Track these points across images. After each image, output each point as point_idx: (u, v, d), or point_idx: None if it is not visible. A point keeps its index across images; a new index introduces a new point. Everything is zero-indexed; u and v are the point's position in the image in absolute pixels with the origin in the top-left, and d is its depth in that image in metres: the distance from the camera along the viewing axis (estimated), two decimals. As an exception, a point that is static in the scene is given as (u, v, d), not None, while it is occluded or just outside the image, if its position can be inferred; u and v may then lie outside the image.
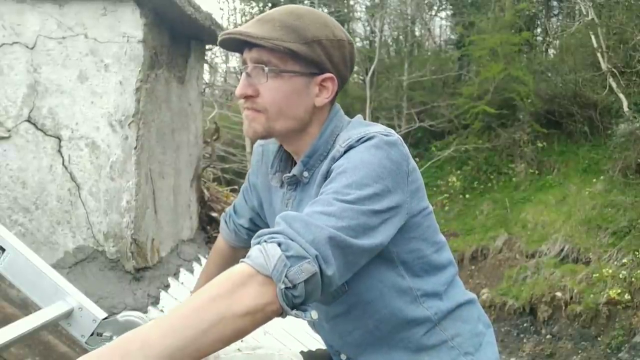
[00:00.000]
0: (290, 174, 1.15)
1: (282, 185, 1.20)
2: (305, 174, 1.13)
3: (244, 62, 1.09)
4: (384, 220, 0.97)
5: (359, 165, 0.98)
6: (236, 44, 1.10)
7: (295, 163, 1.19)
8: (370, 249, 0.95)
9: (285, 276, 0.82)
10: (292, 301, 0.84)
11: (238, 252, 1.49)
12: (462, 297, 1.17)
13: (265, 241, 0.86)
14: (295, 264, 0.83)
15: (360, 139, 1.03)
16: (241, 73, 1.10)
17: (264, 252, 0.84)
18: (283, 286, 0.82)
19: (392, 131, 1.07)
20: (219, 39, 1.09)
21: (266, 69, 1.05)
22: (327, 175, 1.04)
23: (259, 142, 1.32)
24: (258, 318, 0.83)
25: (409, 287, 1.10)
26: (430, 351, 1.11)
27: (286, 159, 1.22)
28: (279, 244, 0.85)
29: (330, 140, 1.11)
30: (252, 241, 0.89)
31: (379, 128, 1.06)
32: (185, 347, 0.76)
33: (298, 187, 1.16)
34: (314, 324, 1.24)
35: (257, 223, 1.40)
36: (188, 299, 0.85)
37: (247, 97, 1.07)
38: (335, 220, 0.90)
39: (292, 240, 0.85)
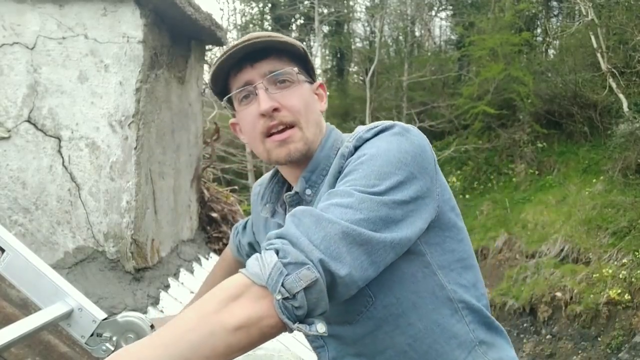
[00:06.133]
0: (292, 192, 1.06)
1: (274, 214, 1.14)
2: (308, 191, 1.04)
3: (248, 83, 1.02)
4: (409, 211, 0.87)
5: (377, 154, 0.89)
6: (224, 78, 1.05)
7: (289, 191, 1.12)
8: (395, 244, 0.85)
9: (282, 285, 0.75)
10: (294, 313, 0.76)
11: (243, 263, 1.49)
12: (494, 321, 1.03)
13: (265, 248, 0.80)
14: (293, 271, 0.76)
15: (373, 129, 0.96)
16: (249, 93, 1.02)
17: (260, 261, 0.78)
18: (280, 297, 0.75)
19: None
20: (231, 50, 0.99)
21: (293, 69, 1.02)
22: (337, 175, 0.96)
23: (258, 182, 1.28)
24: (253, 333, 0.75)
25: (448, 297, 0.96)
26: None
27: (278, 191, 1.16)
28: (277, 251, 0.78)
29: (332, 153, 1.04)
30: (262, 245, 0.83)
31: (388, 121, 0.99)
32: None
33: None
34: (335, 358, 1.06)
35: (256, 250, 1.37)
36: (182, 312, 0.79)
37: (273, 112, 1.00)
38: (353, 212, 0.82)
39: (293, 244, 0.78)
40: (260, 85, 1.00)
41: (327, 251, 0.78)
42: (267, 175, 1.22)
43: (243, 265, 1.60)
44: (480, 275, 1.05)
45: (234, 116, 1.11)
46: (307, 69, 1.07)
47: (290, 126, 1.01)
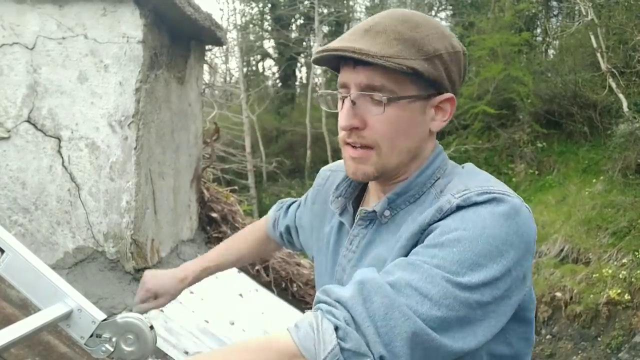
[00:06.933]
0: (370, 209, 0.96)
1: (343, 212, 1.03)
2: (387, 212, 0.94)
3: (344, 86, 0.92)
4: (490, 312, 0.78)
5: (479, 236, 0.78)
6: (335, 60, 0.93)
7: (365, 191, 1.03)
8: (459, 354, 0.77)
9: None
10: None
11: (271, 241, 1.42)
12: None
13: (322, 310, 0.74)
14: None
15: (485, 194, 0.83)
16: (342, 99, 0.92)
17: (315, 333, 0.72)
18: None
19: (513, 193, 0.87)
20: (318, 55, 0.90)
21: (382, 97, 0.87)
22: (426, 228, 0.85)
23: (328, 167, 1.18)
24: None
25: None
26: None
27: (355, 187, 1.04)
28: (337, 329, 0.72)
29: (429, 183, 0.93)
30: (317, 294, 0.77)
31: (502, 186, 0.86)
32: None
33: (371, 225, 0.97)
34: None
35: (292, 234, 1.31)
36: (224, 354, 0.76)
37: (352, 130, 0.90)
38: (429, 307, 0.74)
39: (357, 326, 0.72)
40: (348, 97, 0.90)
41: (390, 346, 0.72)
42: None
43: (274, 242, 1.46)
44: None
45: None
46: (428, 80, 0.90)
47: (367, 147, 0.91)
